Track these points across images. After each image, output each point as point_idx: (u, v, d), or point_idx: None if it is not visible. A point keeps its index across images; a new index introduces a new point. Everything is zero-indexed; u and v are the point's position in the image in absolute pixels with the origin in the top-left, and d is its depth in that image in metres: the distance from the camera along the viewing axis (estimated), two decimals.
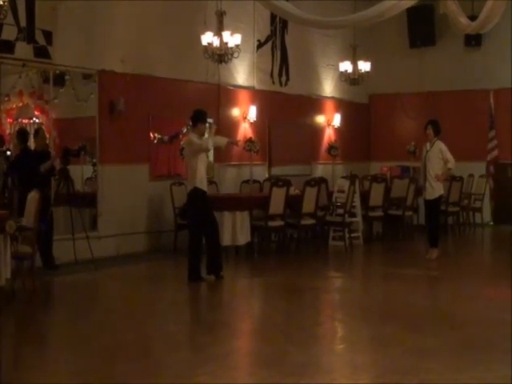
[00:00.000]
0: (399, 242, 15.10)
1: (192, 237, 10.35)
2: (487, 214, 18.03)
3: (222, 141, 11.25)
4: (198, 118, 10.40)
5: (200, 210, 10.28)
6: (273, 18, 16.14)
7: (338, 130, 18.37)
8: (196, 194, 10.25)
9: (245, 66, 15.50)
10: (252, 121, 15.61)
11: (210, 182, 13.13)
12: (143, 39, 13.23)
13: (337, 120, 18.30)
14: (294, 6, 12.92)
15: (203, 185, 10.27)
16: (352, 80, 17.18)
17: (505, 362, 6.26)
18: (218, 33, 12.83)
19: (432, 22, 18.36)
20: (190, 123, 10.75)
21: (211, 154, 13.81)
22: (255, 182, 14.94)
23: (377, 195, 14.73)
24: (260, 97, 15.92)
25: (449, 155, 12.28)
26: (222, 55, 12.80)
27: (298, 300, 9.53)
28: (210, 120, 11.63)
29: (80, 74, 12.51)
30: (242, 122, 15.52)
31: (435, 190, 12.33)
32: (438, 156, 12.28)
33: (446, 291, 10.02)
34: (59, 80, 12.24)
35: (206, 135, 10.55)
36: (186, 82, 14.14)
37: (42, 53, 11.45)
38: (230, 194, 14.33)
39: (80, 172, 12.86)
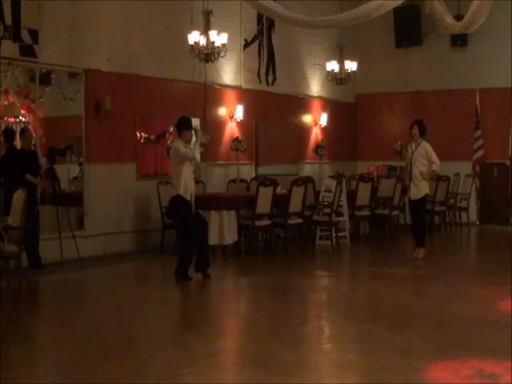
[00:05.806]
0: (386, 241, 15.13)
1: (185, 239, 10.32)
2: (473, 214, 18.12)
3: (198, 148, 10.46)
4: (183, 126, 10.33)
5: (187, 215, 10.26)
6: (260, 17, 16.12)
7: (324, 130, 18.38)
8: (178, 202, 10.23)
9: (232, 65, 15.49)
10: (239, 120, 15.60)
11: (197, 181, 13.11)
12: (129, 38, 13.20)
13: (323, 119, 18.32)
14: (281, 5, 12.93)
15: (187, 193, 10.18)
16: (339, 79, 17.23)
17: (490, 360, 6.29)
18: (205, 32, 12.83)
19: (418, 21, 18.41)
20: (176, 129, 10.68)
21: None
22: (242, 181, 14.94)
23: (364, 194, 14.76)
24: (247, 96, 15.90)
25: (434, 156, 12.29)
26: (209, 54, 12.80)
27: (285, 299, 9.52)
28: (196, 123, 11.49)
29: (66, 73, 12.46)
30: (229, 121, 15.50)
31: (420, 189, 12.35)
32: (424, 157, 12.28)
33: (433, 290, 10.03)
34: (45, 79, 12.21)
35: (194, 140, 10.45)
36: (173, 81, 14.11)
37: (27, 51, 11.40)
38: (217, 193, 14.32)
39: (66, 171, 12.83)
